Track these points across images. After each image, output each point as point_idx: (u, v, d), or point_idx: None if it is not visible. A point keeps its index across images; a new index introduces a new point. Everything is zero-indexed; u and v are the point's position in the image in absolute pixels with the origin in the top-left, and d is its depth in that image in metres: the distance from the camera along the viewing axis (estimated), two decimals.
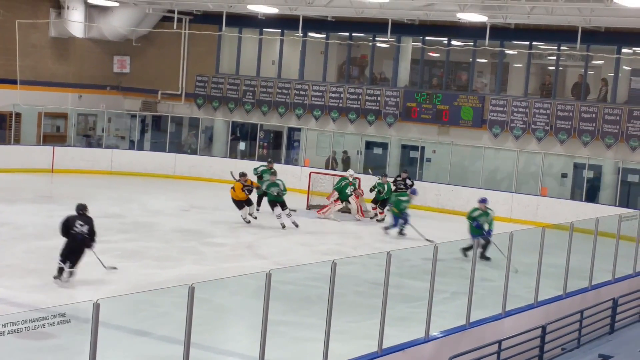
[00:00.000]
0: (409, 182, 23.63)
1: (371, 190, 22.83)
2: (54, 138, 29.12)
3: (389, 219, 21.27)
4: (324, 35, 28.88)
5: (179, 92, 30.79)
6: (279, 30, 29.33)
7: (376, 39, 27.95)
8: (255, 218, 20.87)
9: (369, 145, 27.83)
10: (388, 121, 27.08)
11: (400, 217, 20.34)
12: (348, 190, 22.70)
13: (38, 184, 24.98)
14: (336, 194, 22.73)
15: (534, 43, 25.72)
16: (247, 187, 20.57)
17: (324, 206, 22.99)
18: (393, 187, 23.10)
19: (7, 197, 21.91)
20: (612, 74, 24.75)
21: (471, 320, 11.19)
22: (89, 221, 13.98)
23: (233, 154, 29.54)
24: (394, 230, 20.38)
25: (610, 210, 21.36)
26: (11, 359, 9.87)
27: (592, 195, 24.32)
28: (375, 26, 27.10)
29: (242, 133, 30.21)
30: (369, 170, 24.63)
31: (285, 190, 20.96)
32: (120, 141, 30.57)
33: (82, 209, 14.06)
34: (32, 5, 28.57)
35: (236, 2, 25.85)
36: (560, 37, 24.86)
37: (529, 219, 23.52)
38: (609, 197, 24.08)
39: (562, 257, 13.60)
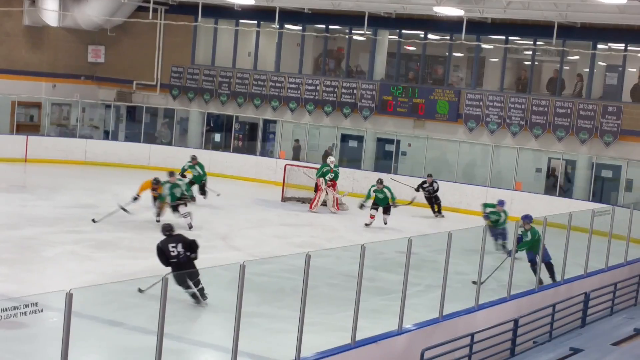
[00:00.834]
0: (435, 185, 23.20)
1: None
2: (27, 127, 28.87)
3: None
4: (300, 28, 28.83)
5: (154, 83, 30.62)
6: (255, 22, 29.24)
7: (352, 31, 27.94)
8: (218, 195, 21.62)
9: (345, 138, 27.85)
10: (364, 114, 27.10)
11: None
12: (328, 177, 22.68)
13: (11, 173, 24.78)
14: (322, 181, 22.73)
15: (510, 38, 25.81)
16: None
17: (312, 200, 22.93)
18: (420, 193, 23.21)
19: None
20: (588, 70, 24.91)
21: (444, 313, 11.24)
22: (180, 238, 12.77)
23: (208, 145, 29.44)
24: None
25: (584, 205, 21.51)
26: None
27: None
28: (351, 19, 27.09)
29: (217, 124, 30.10)
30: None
31: (189, 190, 19.67)
32: (94, 131, 30.37)
33: (167, 229, 12.94)
34: None
35: None
36: (537, 32, 24.98)
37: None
38: (583, 192, 24.26)
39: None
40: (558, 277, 14.61)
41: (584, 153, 24.34)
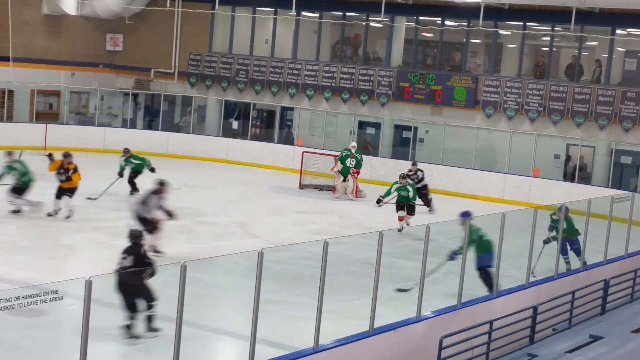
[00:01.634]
0: (420, 174, 21.40)
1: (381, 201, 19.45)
2: (46, 116, 29.02)
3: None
4: (317, 15, 28.75)
5: (172, 71, 30.65)
6: (272, 9, 29.20)
7: (370, 18, 27.86)
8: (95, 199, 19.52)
9: (362, 125, 27.81)
10: (381, 101, 27.03)
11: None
12: (348, 162, 22.64)
13: (31, 161, 24.86)
14: (340, 165, 22.72)
15: (527, 24, 25.66)
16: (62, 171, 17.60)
17: (334, 188, 23.00)
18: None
19: None
20: (606, 55, 24.73)
21: (462, 301, 11.22)
22: (133, 250, 10.71)
23: (227, 133, 29.48)
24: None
25: (603, 191, 21.40)
26: (3, 336, 9.89)
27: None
28: (369, 5, 27.01)
29: (234, 112, 30.14)
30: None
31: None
32: (113, 119, 30.47)
33: (131, 236, 10.95)
34: None
35: None
36: (555, 17, 24.81)
37: (522, 200, 23.58)
38: (602, 179, 24.13)
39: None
40: (499, 289, 12.28)
41: (603, 139, 24.19)
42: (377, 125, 27.26)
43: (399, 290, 12.64)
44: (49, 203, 17.33)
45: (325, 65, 28.17)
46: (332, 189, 23.12)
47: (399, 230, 18.27)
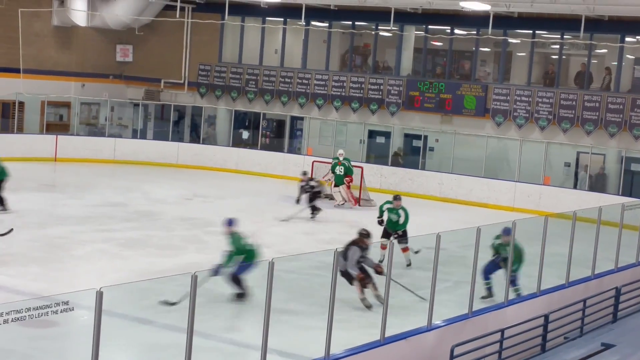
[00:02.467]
0: (313, 183, 20.82)
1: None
2: (57, 127, 29.13)
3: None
4: (326, 24, 28.81)
5: (182, 81, 30.75)
6: (282, 19, 29.27)
7: (379, 27, 27.90)
8: None
9: (372, 134, 27.82)
10: (391, 110, 27.04)
11: None
12: (337, 170, 22.66)
13: (41, 172, 25.00)
14: (331, 174, 22.78)
15: (537, 32, 25.65)
16: None
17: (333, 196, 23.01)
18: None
19: (10, 186, 21.78)
20: (616, 63, 24.69)
21: (474, 309, 11.19)
22: None
23: (237, 143, 29.53)
24: None
25: (614, 199, 21.34)
26: (15, 347, 9.91)
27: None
28: (378, 15, 27.03)
29: (244, 122, 30.20)
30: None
31: None
32: (123, 130, 30.57)
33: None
34: None
35: None
36: (564, 25, 24.79)
37: (532, 208, 23.53)
38: (613, 186, 24.06)
39: (565, 246, 13.59)
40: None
41: (613, 147, 24.13)
42: (387, 134, 27.26)
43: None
44: None
45: (335, 74, 28.21)
46: (333, 197, 23.11)
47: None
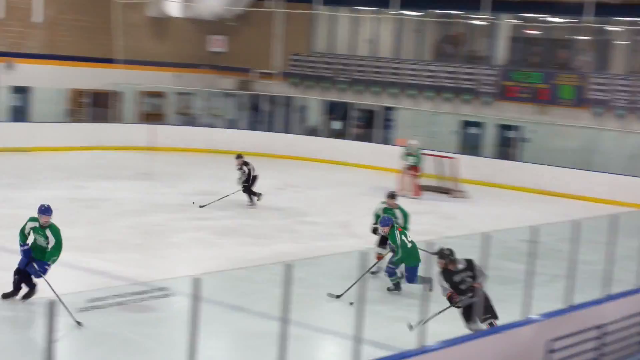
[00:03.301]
0: (245, 168, 19.26)
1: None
2: (152, 116, 29.67)
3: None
4: (419, 13, 28.56)
5: (274, 72, 30.93)
6: (373, 8, 29.13)
7: (472, 16, 27.49)
8: None
9: (465, 124, 27.46)
10: (484, 100, 26.63)
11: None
12: (410, 161, 22.55)
13: (137, 161, 25.50)
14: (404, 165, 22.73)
15: (638, 19, 24.88)
16: None
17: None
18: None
19: (108, 174, 22.50)
20: None
21: (572, 304, 10.92)
22: None
23: (329, 133, 29.53)
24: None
25: None
26: (115, 330, 10.12)
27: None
28: (471, 3, 26.66)
29: (336, 112, 30.19)
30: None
31: None
32: (216, 119, 30.94)
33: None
34: None
35: None
36: None
37: (633, 202, 22.81)
38: None
39: None
40: None
41: None
42: (480, 125, 26.87)
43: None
44: None
45: (427, 64, 27.94)
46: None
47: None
